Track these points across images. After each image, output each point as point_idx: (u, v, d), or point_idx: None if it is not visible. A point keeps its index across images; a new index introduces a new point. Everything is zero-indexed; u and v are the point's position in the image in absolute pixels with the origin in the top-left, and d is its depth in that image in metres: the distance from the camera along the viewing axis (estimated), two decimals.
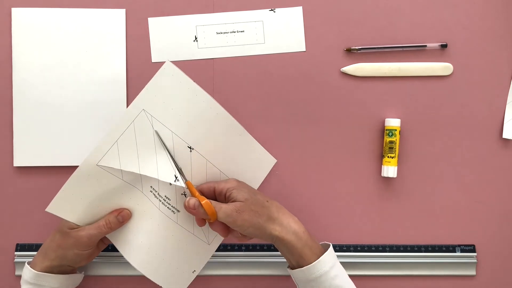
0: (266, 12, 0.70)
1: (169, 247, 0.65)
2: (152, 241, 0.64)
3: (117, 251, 0.65)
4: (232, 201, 0.59)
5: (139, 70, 0.69)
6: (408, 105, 0.70)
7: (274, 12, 0.70)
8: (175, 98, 0.62)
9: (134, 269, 0.64)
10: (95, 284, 0.70)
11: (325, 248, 0.61)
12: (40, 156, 0.69)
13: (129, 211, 0.64)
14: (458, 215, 0.71)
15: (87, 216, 0.62)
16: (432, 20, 0.70)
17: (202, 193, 0.62)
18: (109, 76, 0.69)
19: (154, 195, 0.64)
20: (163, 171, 0.62)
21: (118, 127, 0.61)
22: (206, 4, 0.70)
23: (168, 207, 0.64)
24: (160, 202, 0.64)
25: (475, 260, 0.70)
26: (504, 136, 0.70)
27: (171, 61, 0.62)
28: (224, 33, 0.70)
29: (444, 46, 0.70)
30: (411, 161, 0.70)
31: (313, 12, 0.70)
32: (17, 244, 0.70)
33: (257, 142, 0.67)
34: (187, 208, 0.60)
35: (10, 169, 0.69)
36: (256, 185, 0.68)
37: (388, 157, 0.69)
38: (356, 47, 0.69)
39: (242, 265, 0.70)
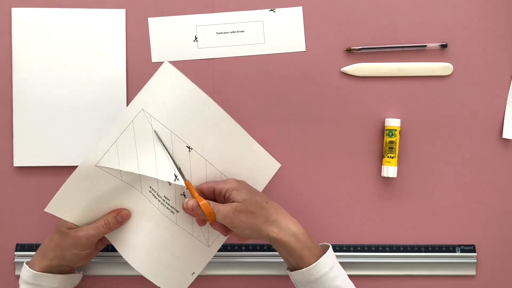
0: (266, 12, 0.70)
1: (168, 247, 0.65)
2: (151, 241, 0.64)
3: (116, 251, 0.64)
4: (231, 202, 0.59)
5: (139, 70, 0.69)
6: (408, 105, 0.70)
7: (274, 12, 0.70)
8: (174, 98, 0.62)
9: (133, 269, 0.64)
10: (93, 284, 0.70)
11: (324, 249, 0.61)
12: (40, 156, 0.69)
13: (128, 211, 0.64)
14: (458, 215, 0.71)
15: (86, 216, 0.62)
16: (432, 20, 0.70)
17: (201, 192, 0.62)
18: (109, 76, 0.69)
19: (153, 195, 0.64)
20: (163, 170, 0.62)
21: (117, 127, 0.61)
22: (206, 4, 0.70)
23: (167, 207, 0.64)
24: (159, 203, 0.64)
25: (475, 260, 0.70)
26: (504, 136, 0.70)
27: (170, 62, 0.62)
28: (224, 33, 0.70)
29: (444, 46, 0.70)
30: (411, 161, 0.70)
31: (313, 12, 0.70)
32: (17, 244, 0.70)
33: (258, 145, 0.65)
34: (186, 209, 0.60)
35: (10, 169, 0.69)
36: (259, 189, 0.66)
37: (388, 157, 0.69)
38: (356, 47, 0.69)
39: (242, 265, 0.70)
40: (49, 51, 0.69)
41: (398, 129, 0.69)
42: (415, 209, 0.71)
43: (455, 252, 0.70)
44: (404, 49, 0.70)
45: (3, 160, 0.69)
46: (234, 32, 0.70)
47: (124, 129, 0.61)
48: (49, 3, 0.69)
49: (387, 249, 0.70)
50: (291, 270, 0.60)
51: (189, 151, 0.63)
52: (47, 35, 0.69)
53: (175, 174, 0.61)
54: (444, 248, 0.70)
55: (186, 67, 0.68)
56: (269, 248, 0.70)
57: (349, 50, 0.70)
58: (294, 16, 0.70)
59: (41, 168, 0.69)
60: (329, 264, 0.59)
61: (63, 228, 0.62)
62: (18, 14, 0.69)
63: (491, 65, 0.70)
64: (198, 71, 0.69)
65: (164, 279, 0.65)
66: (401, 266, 0.70)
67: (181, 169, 0.62)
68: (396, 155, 0.68)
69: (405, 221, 0.71)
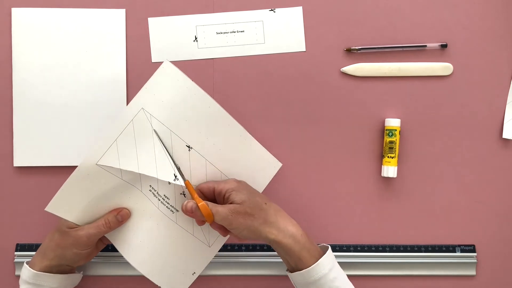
0: (266, 12, 0.70)
1: (168, 247, 0.65)
2: (151, 240, 0.64)
3: (116, 251, 0.64)
4: (230, 203, 0.59)
5: (139, 70, 0.69)
6: (408, 105, 0.70)
7: (274, 12, 0.70)
8: (174, 97, 0.62)
9: (133, 269, 0.64)
10: (94, 284, 0.70)
11: (323, 250, 0.61)
12: (40, 156, 0.69)
13: (128, 211, 0.64)
14: (458, 215, 0.71)
15: (86, 215, 0.62)
16: (432, 20, 0.70)
17: (201, 192, 0.62)
18: (109, 76, 0.69)
19: (154, 194, 0.64)
20: (162, 170, 0.61)
21: (117, 126, 0.61)
22: (206, 4, 0.70)
23: (167, 207, 0.64)
24: (159, 202, 0.64)
25: (475, 260, 0.70)
26: (504, 136, 0.70)
27: (170, 61, 0.62)
28: (224, 33, 0.70)
29: (444, 46, 0.70)
30: (411, 161, 0.70)
31: (313, 12, 0.70)
32: (17, 244, 0.70)
33: (259, 144, 0.65)
34: (185, 211, 0.60)
35: (10, 169, 0.69)
36: (260, 189, 0.66)
37: (388, 157, 0.69)
38: (356, 47, 0.69)
39: (242, 265, 0.70)
40: (49, 51, 0.69)
41: (398, 129, 0.69)
42: (415, 209, 0.71)
43: (455, 252, 0.70)
44: (404, 49, 0.70)
45: (3, 160, 0.69)
46: (234, 32, 0.70)
47: (124, 128, 0.61)
48: (49, 3, 0.69)
49: (387, 249, 0.70)
50: (291, 272, 0.60)
51: (189, 150, 0.63)
52: (47, 35, 0.69)
53: (174, 174, 0.61)
54: (444, 248, 0.70)
55: (186, 67, 0.68)
56: (269, 248, 0.70)
57: (349, 50, 0.70)
58: (294, 16, 0.70)
59: (41, 168, 0.69)
60: (328, 265, 0.58)
61: (63, 227, 0.62)
62: (18, 14, 0.69)
63: (491, 65, 0.70)
64: (198, 71, 0.69)
65: (165, 279, 0.65)
66: (401, 266, 0.70)
67: (181, 168, 0.62)
68: (396, 155, 0.68)
69: (405, 221, 0.71)
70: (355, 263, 0.70)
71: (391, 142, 0.68)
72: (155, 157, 0.62)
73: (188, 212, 0.59)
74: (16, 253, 0.70)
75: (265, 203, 0.60)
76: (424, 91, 0.70)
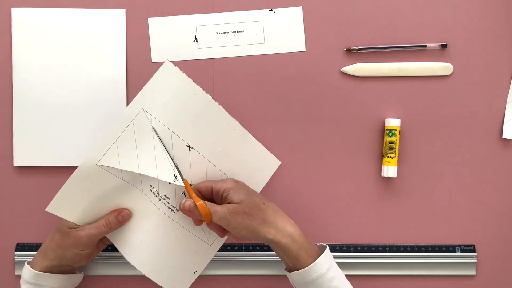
0: (266, 12, 0.70)
1: (169, 246, 0.65)
2: (152, 240, 0.64)
3: (117, 251, 0.64)
4: (228, 203, 0.59)
5: (139, 70, 0.69)
6: (408, 105, 0.70)
7: (274, 12, 0.70)
8: (174, 97, 0.62)
9: (134, 269, 0.64)
10: (94, 284, 0.70)
11: (321, 250, 0.60)
12: (40, 156, 0.69)
13: (129, 211, 0.64)
14: (458, 215, 0.71)
15: (87, 215, 0.62)
16: (432, 20, 0.70)
17: (199, 192, 0.62)
18: (109, 76, 0.69)
19: (154, 194, 0.64)
20: (163, 170, 0.61)
21: (117, 126, 0.61)
22: (206, 4, 0.70)
23: (167, 206, 0.64)
24: (160, 202, 0.64)
25: (475, 260, 0.70)
26: (504, 136, 0.70)
27: (170, 61, 0.62)
28: (224, 33, 0.70)
29: (444, 46, 0.70)
30: (411, 161, 0.70)
31: (313, 12, 0.70)
32: (17, 244, 0.70)
33: (259, 143, 0.66)
34: (183, 210, 0.60)
35: (10, 169, 0.69)
36: (259, 187, 0.67)
37: (388, 157, 0.69)
38: (356, 47, 0.69)
39: (242, 265, 0.70)
40: (49, 51, 0.69)
41: (398, 129, 0.69)
42: (415, 209, 0.71)
43: (455, 252, 0.70)
44: (404, 49, 0.70)
45: (3, 160, 0.69)
46: (234, 32, 0.70)
47: (125, 129, 0.61)
48: (49, 3, 0.69)
49: (387, 249, 0.70)
50: (289, 271, 0.60)
51: (189, 150, 0.63)
52: (47, 35, 0.69)
53: (174, 174, 0.61)
54: (444, 248, 0.70)
55: (186, 67, 0.68)
56: (268, 248, 0.69)
57: (349, 50, 0.70)
58: (294, 16, 0.70)
59: (41, 168, 0.69)
60: (326, 265, 0.59)
61: (64, 227, 0.62)
62: (18, 14, 0.69)
63: (491, 65, 0.70)
64: (198, 71, 0.69)
65: (166, 278, 0.66)
66: (401, 266, 0.70)
67: (181, 168, 0.62)
68: (396, 155, 0.69)
69: (405, 221, 0.71)
70: (355, 263, 0.70)
71: (391, 142, 0.68)
72: (155, 157, 0.62)
73: (186, 211, 0.59)
74: (16, 253, 0.70)
75: (263, 203, 0.60)
76: (424, 91, 0.70)
